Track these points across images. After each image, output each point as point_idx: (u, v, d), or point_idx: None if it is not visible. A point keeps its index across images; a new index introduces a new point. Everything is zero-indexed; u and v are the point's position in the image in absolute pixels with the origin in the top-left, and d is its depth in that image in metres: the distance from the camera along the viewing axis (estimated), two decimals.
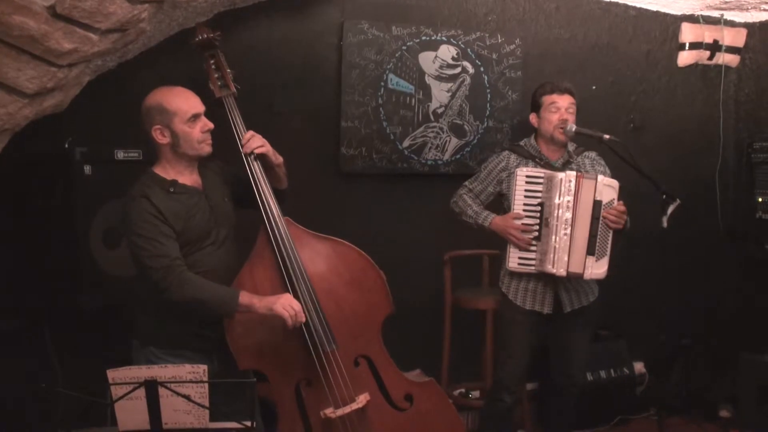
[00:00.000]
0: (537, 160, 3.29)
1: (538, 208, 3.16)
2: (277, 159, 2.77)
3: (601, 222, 3.10)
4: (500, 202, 3.36)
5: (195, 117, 2.54)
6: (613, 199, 3.15)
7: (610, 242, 3.15)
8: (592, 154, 3.41)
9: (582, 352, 3.42)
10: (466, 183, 3.40)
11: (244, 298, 2.51)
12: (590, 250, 3.11)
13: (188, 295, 2.45)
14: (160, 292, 2.45)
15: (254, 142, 2.69)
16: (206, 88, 2.76)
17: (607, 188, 3.13)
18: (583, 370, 3.50)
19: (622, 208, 3.14)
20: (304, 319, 2.58)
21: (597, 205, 3.11)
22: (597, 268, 3.13)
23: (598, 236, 3.11)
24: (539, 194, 3.16)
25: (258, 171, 2.71)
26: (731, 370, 4.19)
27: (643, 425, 4.21)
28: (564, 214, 3.10)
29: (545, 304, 3.25)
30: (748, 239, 4.52)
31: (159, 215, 2.47)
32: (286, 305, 2.52)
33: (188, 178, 2.61)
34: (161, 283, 2.44)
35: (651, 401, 4.33)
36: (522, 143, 3.38)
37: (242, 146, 2.70)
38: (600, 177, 3.13)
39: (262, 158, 2.72)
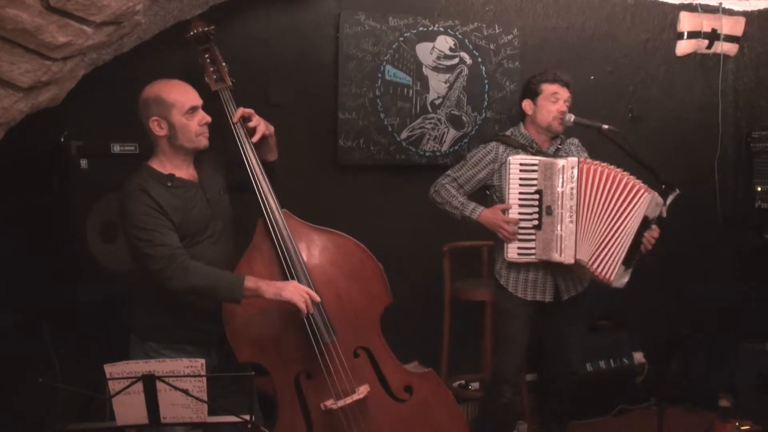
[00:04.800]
0: (529, 148, 3.26)
1: (536, 196, 3.15)
2: (269, 128, 2.76)
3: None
4: (485, 195, 3.32)
5: (193, 109, 2.54)
6: (656, 217, 3.15)
7: (636, 257, 3.16)
8: (576, 141, 3.41)
9: (580, 341, 3.42)
10: (449, 172, 3.32)
11: (250, 282, 2.48)
12: (626, 260, 3.11)
13: (192, 282, 2.43)
14: (162, 282, 2.42)
15: (242, 110, 2.72)
16: (202, 81, 2.75)
17: (656, 206, 3.14)
18: (581, 358, 3.49)
19: (657, 234, 3.16)
20: (318, 299, 2.56)
21: (645, 220, 3.11)
22: (623, 277, 3.16)
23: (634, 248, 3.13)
24: (535, 182, 3.14)
25: (243, 136, 2.70)
26: (731, 360, 4.20)
27: (642, 415, 4.20)
28: (567, 201, 3.09)
29: (546, 292, 3.24)
30: (747, 228, 4.52)
31: (158, 208, 2.46)
32: (295, 292, 2.50)
33: (185, 171, 2.61)
34: (164, 272, 2.40)
35: (651, 391, 4.33)
36: (509, 133, 3.34)
37: (231, 117, 2.72)
38: (655, 194, 3.11)
39: (247, 126, 2.72)
